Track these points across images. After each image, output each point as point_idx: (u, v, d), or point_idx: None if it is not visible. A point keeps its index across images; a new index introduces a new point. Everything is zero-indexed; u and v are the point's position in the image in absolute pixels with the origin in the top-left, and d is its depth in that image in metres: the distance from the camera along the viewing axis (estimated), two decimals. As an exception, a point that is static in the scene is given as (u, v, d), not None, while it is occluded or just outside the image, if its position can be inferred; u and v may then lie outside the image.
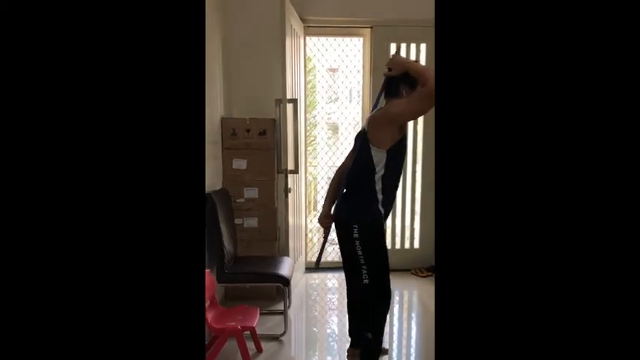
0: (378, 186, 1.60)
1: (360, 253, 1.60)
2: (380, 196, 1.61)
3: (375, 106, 1.74)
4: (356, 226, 1.59)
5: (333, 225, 1.74)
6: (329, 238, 1.83)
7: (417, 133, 3.35)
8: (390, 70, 1.56)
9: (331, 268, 3.23)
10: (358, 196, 1.64)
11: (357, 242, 1.59)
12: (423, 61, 3.19)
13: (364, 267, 1.61)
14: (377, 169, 1.58)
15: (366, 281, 1.62)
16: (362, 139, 1.63)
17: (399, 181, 1.73)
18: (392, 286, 2.82)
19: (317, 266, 1.84)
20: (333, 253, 3.34)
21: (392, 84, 1.59)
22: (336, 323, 2.41)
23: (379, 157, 1.57)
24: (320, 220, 1.81)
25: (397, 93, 1.57)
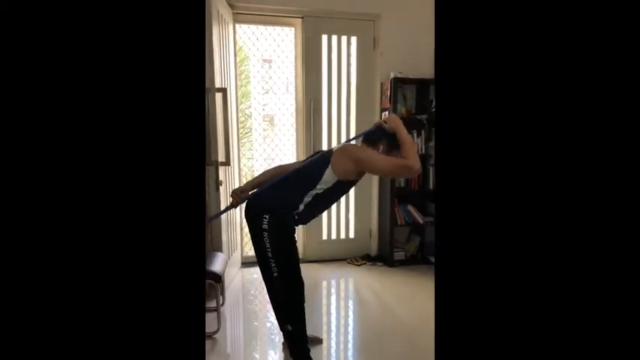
0: (307, 199, 1.59)
1: (267, 245, 1.58)
2: (301, 208, 1.60)
3: (355, 138, 1.80)
4: (267, 217, 1.56)
5: (245, 212, 1.70)
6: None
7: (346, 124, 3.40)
8: (385, 122, 1.61)
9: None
10: (283, 194, 1.62)
11: (265, 234, 1.57)
12: (353, 55, 3.25)
13: (272, 260, 1.59)
14: (318, 186, 1.58)
15: (275, 274, 1.61)
16: (325, 156, 1.64)
17: (323, 211, 1.79)
18: (328, 275, 2.83)
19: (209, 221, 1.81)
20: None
21: (377, 133, 1.64)
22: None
23: (328, 179, 1.58)
24: (233, 192, 1.72)
25: (375, 143, 1.63)
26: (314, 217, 1.75)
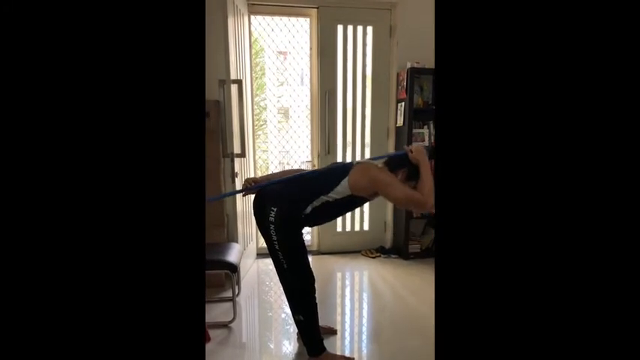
0: (316, 203, 1.59)
1: (274, 238, 1.60)
2: (309, 210, 1.59)
3: (378, 158, 1.78)
4: (274, 209, 1.57)
5: (254, 202, 1.73)
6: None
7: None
8: (411, 151, 1.60)
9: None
10: (294, 191, 1.63)
11: (272, 226, 1.58)
12: (369, 45, 3.21)
13: (280, 252, 1.62)
14: (330, 194, 1.58)
15: (285, 266, 1.64)
16: (345, 167, 1.64)
17: (329, 220, 1.78)
18: (343, 267, 2.82)
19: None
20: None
21: (401, 160, 1.62)
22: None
23: (342, 190, 1.57)
24: (246, 180, 1.77)
25: (395, 168, 1.61)
26: (317, 224, 1.75)
